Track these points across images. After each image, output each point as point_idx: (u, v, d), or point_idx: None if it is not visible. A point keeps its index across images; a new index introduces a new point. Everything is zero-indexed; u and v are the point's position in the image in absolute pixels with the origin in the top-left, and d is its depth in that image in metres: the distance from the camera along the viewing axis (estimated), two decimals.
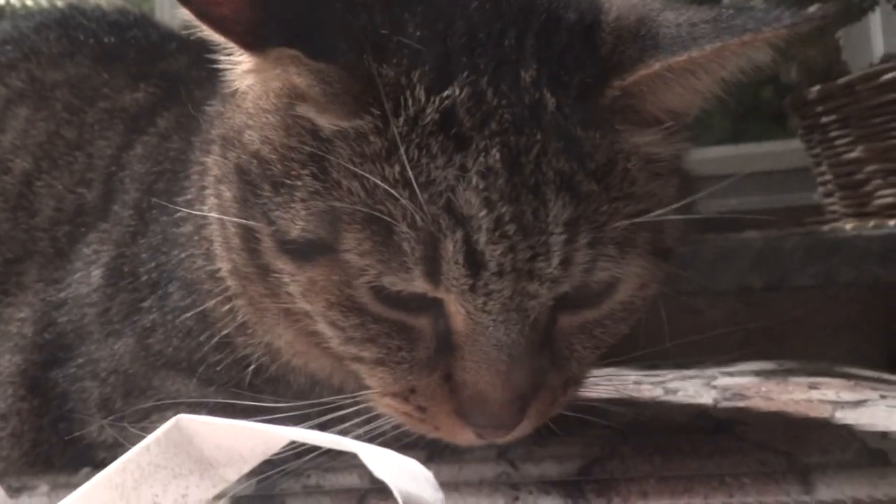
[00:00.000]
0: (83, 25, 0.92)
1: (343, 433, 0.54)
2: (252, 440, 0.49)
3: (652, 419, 0.77)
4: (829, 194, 1.53)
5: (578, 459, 0.64)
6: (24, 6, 1.50)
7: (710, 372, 1.06)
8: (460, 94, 0.50)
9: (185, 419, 0.49)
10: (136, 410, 0.68)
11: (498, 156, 0.50)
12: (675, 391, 0.93)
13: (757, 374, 1.03)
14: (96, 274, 0.73)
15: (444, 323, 0.54)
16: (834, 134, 1.44)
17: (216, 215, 0.60)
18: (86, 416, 0.71)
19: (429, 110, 0.50)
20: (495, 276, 0.51)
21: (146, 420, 0.67)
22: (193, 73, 0.80)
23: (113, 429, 0.70)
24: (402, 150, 0.49)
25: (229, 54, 0.54)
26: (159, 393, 0.67)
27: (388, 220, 0.50)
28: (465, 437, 0.57)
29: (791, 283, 1.32)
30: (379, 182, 0.49)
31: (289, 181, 0.53)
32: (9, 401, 0.73)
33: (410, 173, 0.48)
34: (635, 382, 1.02)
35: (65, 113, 0.83)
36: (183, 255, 0.68)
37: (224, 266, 0.62)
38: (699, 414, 0.79)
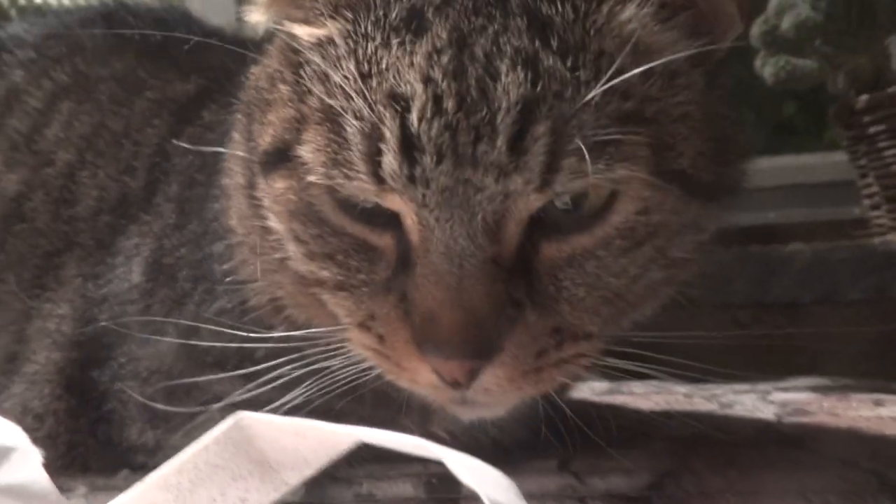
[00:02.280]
0: (128, 22, 0.91)
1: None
2: (317, 441, 0.46)
3: (715, 433, 0.74)
4: (875, 207, 1.48)
5: (647, 473, 0.61)
6: (47, 4, 1.49)
7: (762, 387, 1.02)
8: None
9: (245, 417, 0.46)
10: (178, 413, 0.65)
11: (445, 35, 0.49)
12: (730, 405, 0.90)
13: (813, 389, 1.00)
14: (137, 269, 0.70)
15: (403, 238, 0.51)
16: (882, 144, 1.39)
17: (227, 150, 0.62)
18: (126, 418, 0.68)
19: (395, 9, 0.50)
20: (432, 160, 0.47)
21: (191, 422, 0.64)
22: (237, 68, 0.78)
23: (154, 431, 0.67)
24: (359, 47, 0.50)
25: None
26: (205, 393, 0.64)
27: (340, 114, 0.49)
28: (425, 376, 0.51)
29: (841, 297, 1.28)
30: (337, 79, 0.49)
31: (271, 97, 0.56)
32: (45, 400, 0.70)
33: (363, 66, 0.49)
34: (686, 396, 0.99)
35: (110, 105, 0.82)
36: (223, 249, 0.65)
37: (236, 224, 0.62)
38: (764, 428, 0.76)
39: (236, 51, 0.70)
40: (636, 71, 0.47)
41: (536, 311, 0.49)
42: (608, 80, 0.46)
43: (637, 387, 1.05)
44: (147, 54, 0.86)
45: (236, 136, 0.62)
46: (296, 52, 0.54)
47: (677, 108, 0.51)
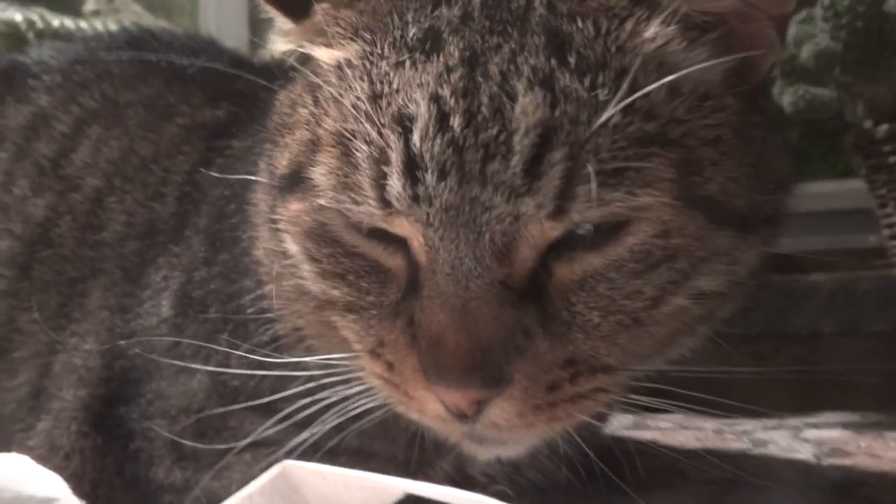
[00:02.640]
0: (154, 48, 0.90)
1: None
2: (363, 492, 0.44)
3: (754, 475, 0.72)
4: (894, 237, 1.47)
5: None
6: (64, 27, 1.49)
7: (792, 422, 1.00)
8: (448, 13, 0.50)
9: (291, 465, 0.44)
10: (209, 451, 0.63)
11: (457, 54, 0.48)
12: (763, 443, 0.88)
13: (844, 426, 0.97)
14: (166, 303, 0.69)
15: (412, 261, 0.49)
16: None
17: (253, 177, 0.61)
18: (153, 457, 0.66)
19: (413, 30, 0.50)
20: (434, 176, 0.46)
21: (220, 462, 0.62)
22: (267, 96, 0.77)
23: (183, 470, 0.65)
24: (374, 67, 0.49)
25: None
26: (236, 433, 0.62)
27: (350, 138, 0.48)
28: (432, 407, 0.49)
29: (864, 329, 1.26)
30: (350, 101, 0.49)
31: (290, 120, 0.56)
32: (72, 438, 0.68)
33: (376, 87, 0.48)
34: (716, 432, 0.97)
35: (139, 130, 0.81)
36: (252, 284, 0.64)
37: (261, 256, 0.61)
38: (805, 471, 0.74)
39: (267, 74, 0.69)
40: (652, 86, 0.46)
41: (548, 339, 0.47)
42: (623, 98, 0.45)
43: (663, 421, 1.03)
44: (175, 80, 0.85)
45: (262, 164, 0.62)
46: (316, 75, 0.54)
47: (707, 131, 0.49)
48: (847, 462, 0.75)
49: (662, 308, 0.49)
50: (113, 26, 1.42)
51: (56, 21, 1.52)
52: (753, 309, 1.38)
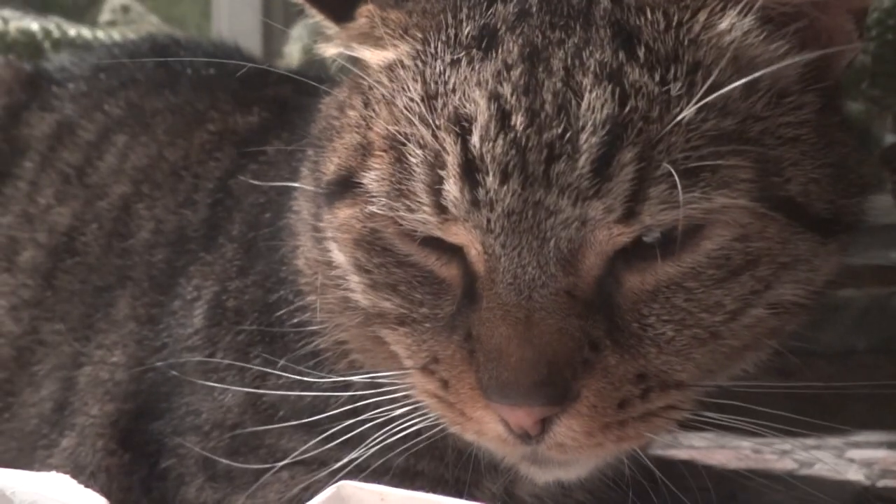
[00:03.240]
0: (179, 55, 0.89)
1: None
2: None
3: (807, 499, 0.69)
4: None
5: None
6: (81, 36, 1.48)
7: (833, 442, 0.97)
8: (504, 10, 0.48)
9: (347, 486, 0.41)
10: (243, 471, 0.60)
11: (516, 50, 0.45)
12: (809, 464, 0.85)
13: (889, 446, 0.94)
14: (198, 313, 0.66)
15: (468, 271, 0.47)
16: None
17: (296, 185, 0.59)
18: (184, 475, 0.63)
19: (467, 28, 0.48)
20: (496, 179, 0.43)
21: (256, 483, 0.60)
22: (299, 101, 0.75)
23: (215, 490, 0.62)
24: (427, 67, 0.48)
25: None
26: (273, 451, 0.60)
27: (403, 141, 0.46)
28: (492, 427, 0.46)
29: None
30: (403, 103, 0.47)
31: (338, 123, 0.55)
32: (98, 455, 0.65)
33: (430, 87, 0.47)
34: (754, 451, 0.94)
35: (168, 136, 0.79)
36: (291, 294, 0.61)
37: (303, 265, 0.60)
38: (860, 495, 0.70)
39: (293, 80, 0.67)
40: (733, 85, 0.43)
41: (618, 352, 0.45)
42: (704, 96, 0.43)
43: (696, 440, 1.00)
44: (203, 87, 0.84)
45: (304, 170, 0.60)
46: (365, 76, 0.52)
47: (786, 129, 0.46)
48: None
49: (742, 320, 0.46)
50: (131, 35, 1.41)
51: (72, 30, 1.51)
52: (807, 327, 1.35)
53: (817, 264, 0.48)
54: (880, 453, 0.89)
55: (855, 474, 0.77)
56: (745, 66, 0.45)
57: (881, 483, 0.73)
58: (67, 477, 0.40)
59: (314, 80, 0.63)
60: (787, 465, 0.85)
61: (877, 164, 1.51)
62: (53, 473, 0.40)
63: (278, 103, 0.78)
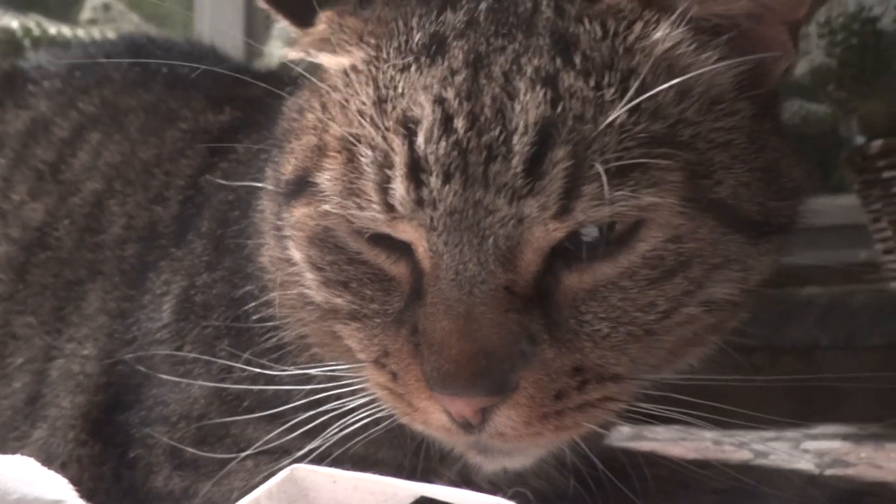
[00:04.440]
0: (154, 55, 0.90)
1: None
2: (374, 496, 0.43)
3: (759, 485, 0.71)
4: (888, 251, 1.48)
5: None
6: (61, 35, 1.49)
7: (791, 434, 1.00)
8: (454, 18, 0.50)
9: (300, 469, 0.43)
10: (209, 459, 0.62)
11: (461, 56, 0.48)
12: (765, 454, 0.88)
13: (844, 437, 0.98)
14: (167, 308, 0.68)
15: (416, 268, 0.49)
16: None
17: (259, 184, 0.61)
18: (152, 465, 0.65)
19: (418, 35, 0.50)
20: (439, 179, 0.45)
21: (221, 471, 0.61)
22: (270, 101, 0.77)
23: (182, 479, 0.64)
24: (379, 73, 0.50)
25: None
26: (238, 441, 0.61)
27: (355, 143, 0.48)
28: (437, 417, 0.48)
29: (860, 342, 1.26)
30: (355, 106, 0.49)
31: (297, 125, 0.56)
32: (69, 446, 0.67)
33: (381, 92, 0.49)
34: (715, 443, 0.97)
35: (140, 134, 0.80)
36: (256, 290, 0.63)
37: (267, 262, 0.61)
38: (808, 481, 0.73)
39: (268, 80, 0.69)
40: (659, 88, 0.46)
41: (555, 346, 0.47)
42: (632, 99, 0.45)
43: (662, 432, 1.03)
44: (177, 86, 0.85)
45: (268, 171, 0.62)
46: (323, 81, 0.54)
47: (718, 134, 0.48)
48: (849, 472, 0.75)
49: (675, 318, 0.49)
50: (111, 34, 1.42)
51: (53, 28, 1.51)
52: (749, 322, 1.39)
53: (750, 264, 0.50)
54: (835, 444, 0.92)
55: (806, 464, 0.79)
56: (677, 74, 0.47)
57: (829, 471, 0.75)
58: (31, 460, 0.42)
59: (284, 81, 0.64)
60: (743, 455, 0.87)
61: (844, 166, 1.55)
62: (18, 456, 0.42)
63: (250, 103, 0.79)
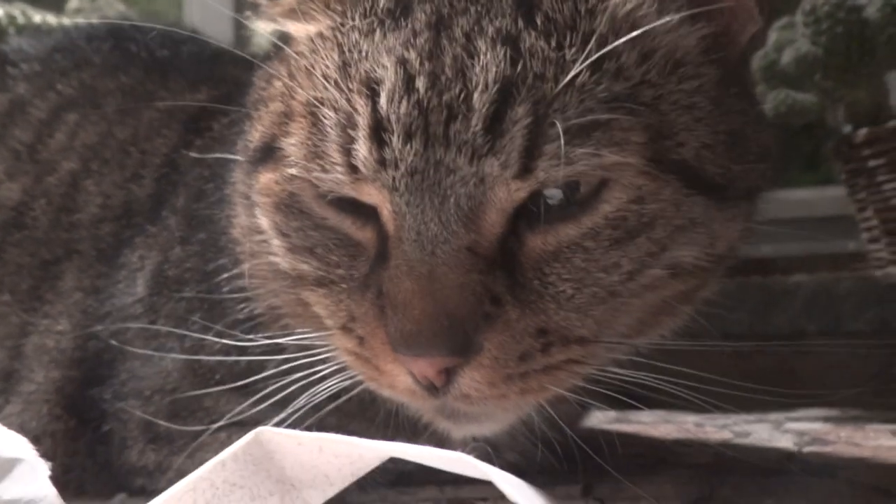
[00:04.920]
0: (135, 38, 0.90)
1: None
2: (339, 459, 0.43)
3: (737, 460, 0.71)
4: (874, 240, 1.48)
5: (675, 500, 0.58)
6: (46, 23, 1.48)
7: (773, 417, 1.00)
8: None
9: (265, 431, 0.43)
10: (182, 433, 0.62)
11: (424, 18, 0.48)
12: (745, 434, 0.88)
13: (825, 419, 0.98)
14: (141, 282, 0.68)
15: (381, 232, 0.49)
16: (881, 178, 1.40)
17: (231, 156, 0.61)
18: (126, 438, 0.65)
19: (383, 1, 0.50)
20: (399, 139, 0.45)
21: (194, 443, 0.61)
22: (247, 81, 0.77)
23: (156, 452, 0.64)
24: (345, 38, 0.50)
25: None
26: (211, 414, 0.61)
27: (319, 106, 0.48)
28: (402, 379, 0.48)
29: (844, 329, 1.27)
30: (320, 71, 0.49)
31: (265, 94, 0.56)
32: (43, 420, 0.67)
33: (346, 56, 0.49)
34: (697, 425, 0.97)
35: (117, 115, 0.80)
36: (229, 263, 0.63)
37: (238, 234, 0.61)
38: (786, 457, 0.73)
39: (247, 62, 0.69)
40: (617, 43, 0.46)
41: (519, 307, 0.46)
42: (588, 57, 0.45)
43: (645, 416, 1.03)
44: (155, 68, 0.85)
45: (240, 142, 0.62)
46: (291, 49, 0.54)
47: (681, 96, 0.49)
48: (827, 450, 0.75)
49: (639, 280, 0.48)
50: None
51: (38, 17, 1.50)
52: (734, 309, 1.39)
53: (715, 229, 0.50)
54: (815, 426, 0.92)
55: (786, 443, 0.80)
56: (638, 36, 0.47)
57: (807, 449, 0.76)
58: None
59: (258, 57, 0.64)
60: (724, 436, 0.88)
61: (830, 156, 1.56)
62: None
63: (227, 82, 0.79)
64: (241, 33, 1.94)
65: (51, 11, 1.58)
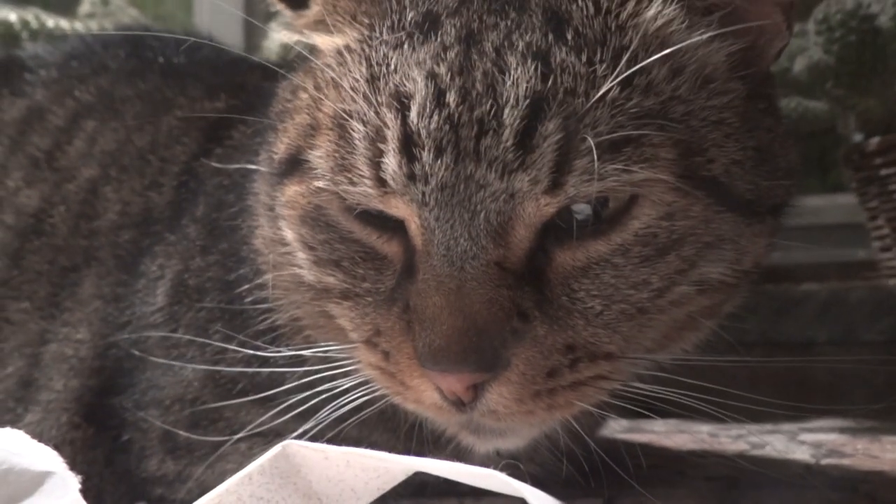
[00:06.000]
0: (151, 45, 0.90)
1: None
2: (366, 472, 0.43)
3: (755, 473, 0.71)
4: (886, 249, 1.48)
5: None
6: (59, 27, 1.48)
7: (788, 427, 1.00)
8: None
9: (292, 445, 0.43)
10: (203, 443, 0.62)
11: (454, 33, 0.48)
12: (761, 445, 0.88)
13: (841, 430, 0.97)
14: (161, 291, 0.68)
15: (408, 245, 0.49)
16: (894, 187, 1.40)
17: (254, 167, 0.61)
18: (145, 448, 0.65)
19: (411, 14, 0.50)
20: (430, 154, 0.45)
21: (214, 454, 0.61)
22: (266, 88, 0.77)
23: (176, 462, 0.64)
24: (372, 51, 0.50)
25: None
26: (232, 424, 0.61)
27: (347, 118, 0.48)
28: (429, 395, 0.48)
29: (856, 338, 1.26)
30: (348, 83, 0.49)
31: (291, 106, 0.57)
32: (62, 429, 0.67)
33: (374, 69, 0.49)
34: (711, 435, 0.97)
35: (136, 122, 0.80)
36: (250, 273, 0.63)
37: (261, 245, 0.61)
38: (804, 470, 0.73)
39: (266, 69, 0.69)
40: (649, 60, 0.46)
41: (547, 323, 0.47)
42: (622, 72, 0.45)
43: (658, 425, 1.03)
44: (173, 75, 0.85)
45: (263, 153, 0.62)
46: (317, 61, 0.54)
47: (711, 112, 0.49)
48: (846, 462, 0.75)
49: (668, 297, 0.48)
50: (109, 28, 1.42)
51: (51, 21, 1.51)
52: (745, 317, 1.39)
53: (743, 244, 0.50)
54: (831, 437, 0.92)
55: (803, 454, 0.79)
56: (675, 55, 0.47)
57: (825, 461, 0.75)
58: (20, 432, 0.42)
59: (278, 66, 0.65)
60: (740, 447, 0.87)
61: (841, 164, 1.55)
62: (7, 429, 0.42)
63: (246, 90, 0.79)
64: (252, 38, 1.95)
65: (63, 16, 1.58)
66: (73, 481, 0.39)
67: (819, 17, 1.37)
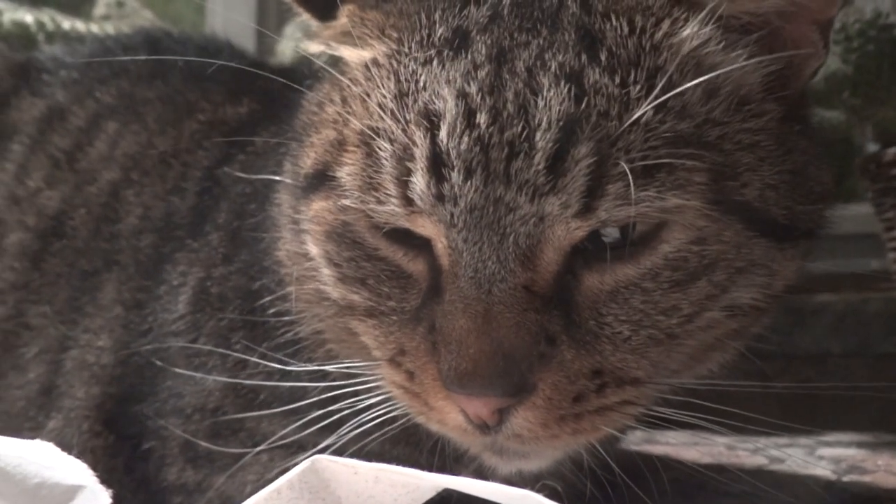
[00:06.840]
0: (172, 48, 0.90)
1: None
2: (395, 489, 0.43)
3: (774, 489, 0.71)
4: None
5: None
6: (75, 30, 1.49)
7: (805, 441, 0.99)
8: (477, 13, 0.50)
9: (321, 460, 0.43)
10: (224, 453, 0.61)
11: (485, 51, 0.47)
12: (779, 460, 0.87)
13: (859, 445, 0.97)
14: (183, 299, 0.68)
15: (434, 265, 0.48)
16: None
17: (277, 178, 0.60)
18: (165, 456, 0.64)
19: (440, 29, 0.50)
20: (460, 175, 0.45)
21: (235, 465, 0.61)
22: (288, 94, 0.77)
23: (196, 471, 0.63)
24: (401, 66, 0.49)
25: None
26: (253, 435, 0.61)
27: (374, 137, 0.48)
28: (453, 417, 0.47)
29: (872, 350, 1.25)
30: (376, 99, 0.49)
31: (317, 119, 0.56)
32: (83, 437, 0.66)
33: (402, 85, 0.48)
34: (728, 448, 0.96)
35: (157, 125, 0.80)
36: (273, 284, 0.63)
37: (283, 257, 0.60)
38: (826, 487, 0.72)
39: (287, 75, 0.69)
40: (686, 85, 0.45)
41: (574, 348, 0.46)
42: (658, 97, 0.44)
43: (673, 437, 1.02)
44: (194, 78, 0.85)
45: (287, 164, 0.61)
46: (344, 74, 0.54)
47: (745, 135, 0.48)
48: (867, 479, 0.74)
49: (698, 322, 0.48)
50: (124, 30, 1.42)
51: (66, 23, 1.51)
52: (769, 329, 1.37)
53: (775, 269, 0.49)
54: (850, 451, 0.91)
55: (823, 470, 0.79)
56: (704, 73, 0.46)
57: (847, 478, 0.75)
58: (51, 445, 0.42)
59: (302, 75, 0.64)
60: (758, 461, 0.87)
61: (857, 174, 1.54)
62: (38, 441, 0.42)
63: (268, 96, 0.79)
64: (264, 40, 1.95)
65: (78, 18, 1.59)
66: (104, 495, 0.39)
67: (837, 27, 1.37)
